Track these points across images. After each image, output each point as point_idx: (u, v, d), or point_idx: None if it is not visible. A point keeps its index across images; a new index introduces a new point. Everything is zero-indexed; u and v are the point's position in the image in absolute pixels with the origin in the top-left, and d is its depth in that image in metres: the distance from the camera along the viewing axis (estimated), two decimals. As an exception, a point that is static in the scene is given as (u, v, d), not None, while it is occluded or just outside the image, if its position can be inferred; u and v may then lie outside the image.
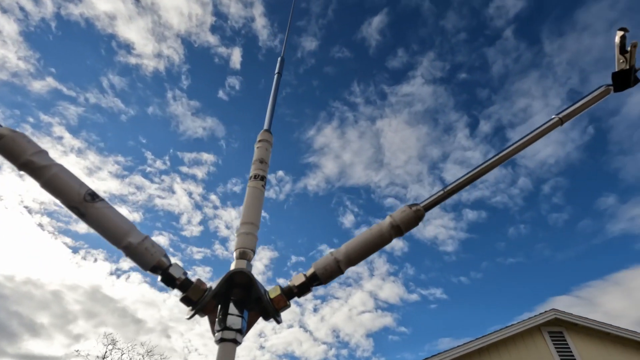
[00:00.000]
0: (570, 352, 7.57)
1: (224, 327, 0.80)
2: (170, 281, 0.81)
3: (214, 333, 0.82)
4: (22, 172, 0.75)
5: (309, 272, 0.89)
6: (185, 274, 0.84)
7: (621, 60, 0.55)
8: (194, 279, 0.85)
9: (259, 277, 0.90)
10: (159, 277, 0.81)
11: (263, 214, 1.16)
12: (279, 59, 1.98)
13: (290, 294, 0.86)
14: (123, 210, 0.87)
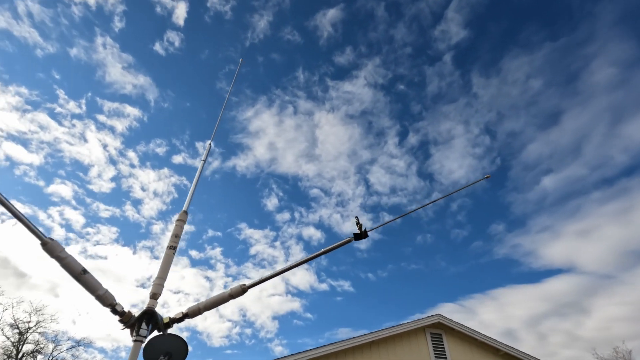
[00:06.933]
0: (444, 352, 9.33)
1: (137, 334, 1.80)
2: (115, 312, 1.80)
3: (131, 335, 1.82)
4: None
5: (186, 310, 1.92)
6: (120, 306, 1.83)
7: (357, 228, 1.48)
8: (126, 310, 1.84)
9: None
10: (109, 309, 1.79)
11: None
12: (208, 143, 2.59)
13: (171, 321, 1.90)
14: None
